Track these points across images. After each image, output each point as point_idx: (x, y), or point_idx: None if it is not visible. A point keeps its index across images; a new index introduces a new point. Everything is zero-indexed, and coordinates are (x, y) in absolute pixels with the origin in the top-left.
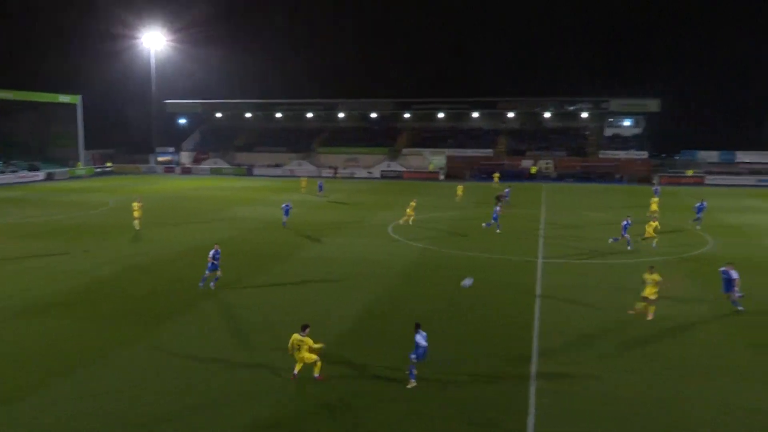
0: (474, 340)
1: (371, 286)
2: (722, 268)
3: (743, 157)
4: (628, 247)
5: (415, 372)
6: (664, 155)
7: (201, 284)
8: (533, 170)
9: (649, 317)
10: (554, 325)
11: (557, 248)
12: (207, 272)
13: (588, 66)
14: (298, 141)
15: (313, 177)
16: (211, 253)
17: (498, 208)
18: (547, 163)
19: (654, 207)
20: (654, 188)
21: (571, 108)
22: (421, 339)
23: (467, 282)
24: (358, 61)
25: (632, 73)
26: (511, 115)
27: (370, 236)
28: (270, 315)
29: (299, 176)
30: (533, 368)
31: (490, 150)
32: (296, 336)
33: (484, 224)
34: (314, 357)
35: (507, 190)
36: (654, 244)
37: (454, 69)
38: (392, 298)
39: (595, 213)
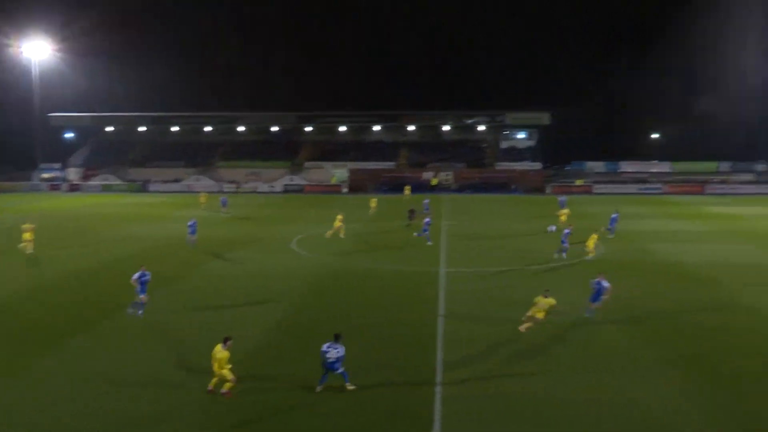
0: (379, 350)
1: (277, 302)
2: (595, 279)
3: (626, 166)
4: (563, 254)
5: (325, 380)
6: (556, 166)
7: (131, 310)
8: (434, 182)
9: (522, 329)
10: (458, 334)
11: (460, 258)
12: (141, 295)
13: (484, 81)
14: (196, 155)
15: (213, 192)
16: (136, 275)
17: (428, 219)
18: (447, 175)
19: (563, 218)
20: (560, 200)
21: (469, 121)
22: (331, 350)
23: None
24: (259, 74)
25: (525, 87)
26: (411, 128)
27: (275, 251)
28: (175, 334)
29: (198, 191)
30: (438, 376)
31: (392, 162)
32: (218, 349)
33: (415, 233)
34: (231, 375)
35: (426, 201)
36: (589, 257)
37: (356, 83)
38: (298, 312)
39: (497, 221)
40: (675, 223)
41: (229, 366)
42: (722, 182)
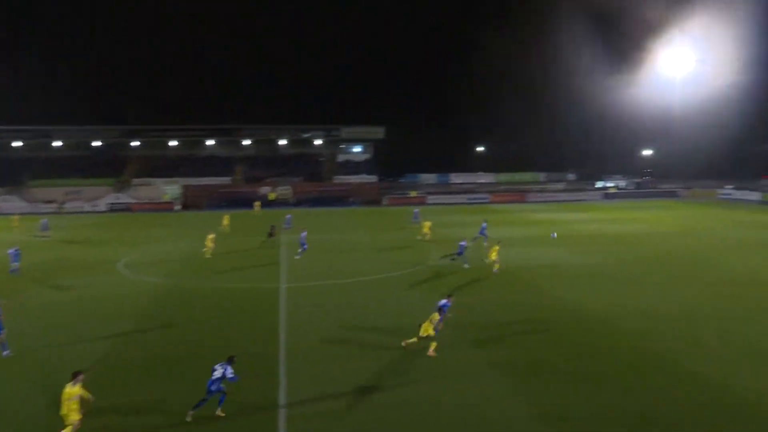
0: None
1: (107, 329)
2: (443, 300)
3: (456, 178)
4: (466, 266)
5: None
6: (391, 178)
7: None
8: (272, 196)
9: (431, 353)
10: (300, 351)
11: (300, 272)
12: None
13: (319, 95)
14: (2, 173)
15: (27, 214)
16: None
17: (304, 233)
18: (285, 189)
19: (426, 230)
20: (414, 212)
21: (306, 135)
22: (218, 369)
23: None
24: (77, 85)
25: (360, 102)
26: (247, 142)
27: (101, 274)
28: None
29: (9, 214)
30: (282, 397)
31: (227, 178)
32: (68, 389)
33: (296, 256)
34: (77, 418)
35: (288, 216)
36: (495, 270)
37: (186, 96)
38: (128, 341)
39: (337, 235)
40: (500, 229)
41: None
42: (541, 191)
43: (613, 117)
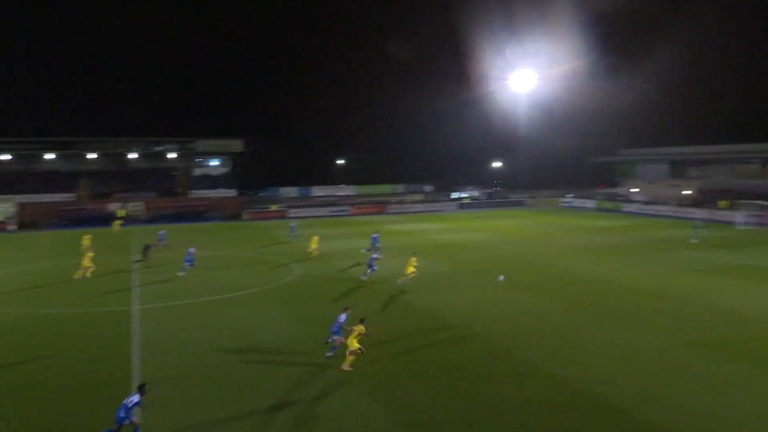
0: (67, 407)
1: None
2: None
3: (317, 191)
4: (367, 272)
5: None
6: (251, 192)
7: None
8: (121, 213)
9: (345, 367)
10: (157, 380)
11: (153, 292)
12: None
13: (173, 107)
14: None
15: None
16: None
17: (192, 250)
18: (136, 206)
19: (314, 244)
20: (291, 226)
21: (158, 149)
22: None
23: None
24: None
25: (218, 115)
26: (92, 156)
27: None
28: None
29: None
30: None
31: (71, 194)
32: None
33: (180, 272)
34: None
35: (162, 232)
36: (407, 280)
37: (19, 107)
38: None
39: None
40: (361, 242)
41: None
42: (399, 202)
43: (467, 131)
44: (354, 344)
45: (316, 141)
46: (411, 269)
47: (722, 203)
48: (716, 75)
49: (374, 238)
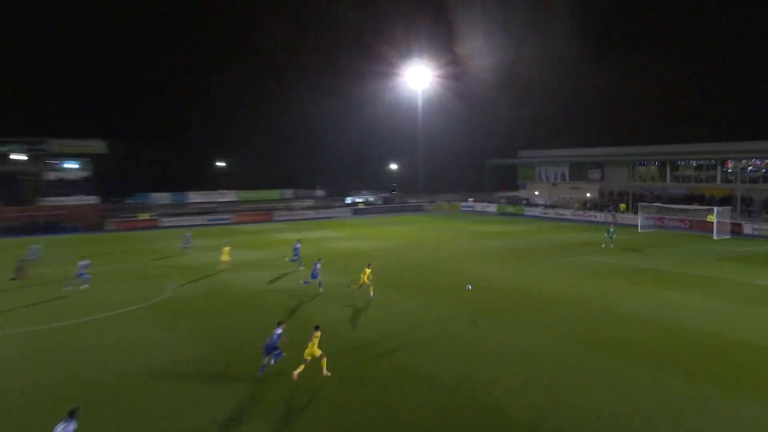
0: None
1: None
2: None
3: (194, 197)
4: (320, 289)
5: None
6: (116, 199)
7: None
8: None
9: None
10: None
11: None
12: None
13: (20, 104)
14: None
15: None
16: None
17: (84, 263)
18: None
19: (225, 256)
20: (186, 236)
21: (2, 149)
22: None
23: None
24: None
25: (75, 113)
26: None
27: None
28: None
29: None
30: None
31: None
32: None
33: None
34: None
35: (34, 246)
36: (371, 295)
37: None
38: None
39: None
40: (246, 253)
41: None
42: (288, 209)
43: (361, 131)
44: (317, 351)
45: (193, 141)
46: (366, 280)
47: (622, 206)
48: (613, 75)
49: (296, 248)
